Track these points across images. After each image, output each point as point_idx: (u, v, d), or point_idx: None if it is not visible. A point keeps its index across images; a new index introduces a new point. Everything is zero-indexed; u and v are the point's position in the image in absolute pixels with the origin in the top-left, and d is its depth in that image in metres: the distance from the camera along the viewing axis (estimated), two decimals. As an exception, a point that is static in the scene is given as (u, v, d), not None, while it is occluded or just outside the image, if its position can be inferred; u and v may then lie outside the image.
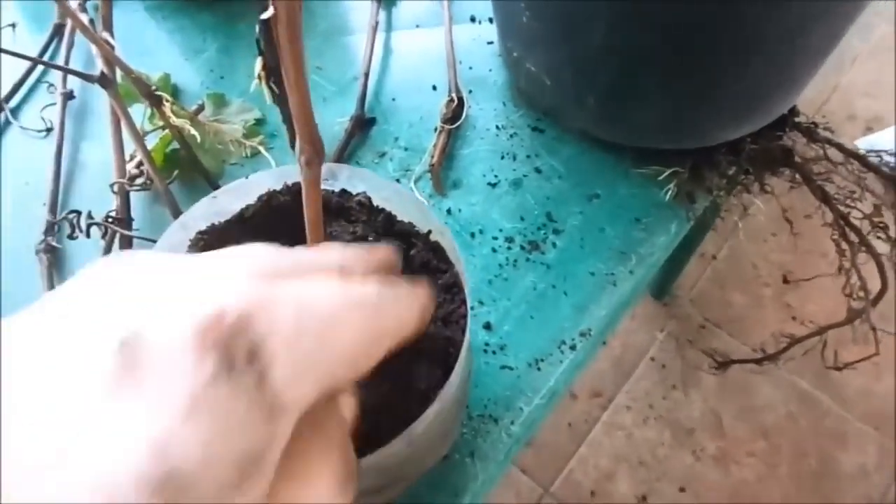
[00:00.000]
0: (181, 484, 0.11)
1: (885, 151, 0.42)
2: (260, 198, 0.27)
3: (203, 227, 0.26)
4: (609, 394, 1.07)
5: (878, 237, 0.39)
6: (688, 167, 0.42)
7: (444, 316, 0.25)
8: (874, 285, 0.41)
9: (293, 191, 0.27)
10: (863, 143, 1.24)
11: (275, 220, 0.27)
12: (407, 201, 0.27)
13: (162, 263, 0.15)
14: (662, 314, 1.13)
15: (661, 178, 0.42)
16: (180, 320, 0.13)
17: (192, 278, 0.14)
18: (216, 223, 0.27)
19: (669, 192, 0.42)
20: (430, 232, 0.27)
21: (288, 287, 0.14)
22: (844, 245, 0.40)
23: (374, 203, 0.28)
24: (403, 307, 0.16)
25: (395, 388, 0.23)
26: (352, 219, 0.28)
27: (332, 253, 0.17)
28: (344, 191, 0.27)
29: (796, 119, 0.43)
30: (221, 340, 0.12)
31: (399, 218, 0.28)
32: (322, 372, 0.14)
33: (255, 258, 0.16)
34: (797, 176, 0.42)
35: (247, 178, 0.27)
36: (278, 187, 0.27)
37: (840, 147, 0.42)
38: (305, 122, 0.18)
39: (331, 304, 0.14)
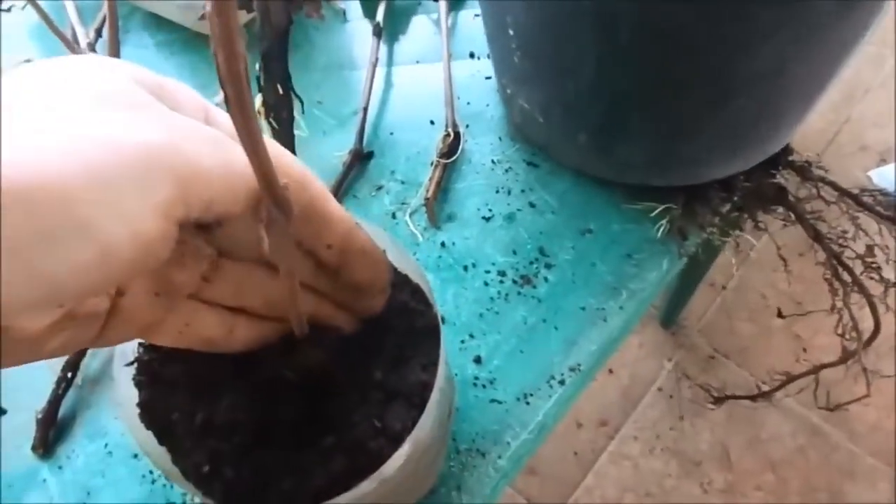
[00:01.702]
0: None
1: (880, 191, 0.42)
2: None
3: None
4: (616, 423, 1.06)
5: (871, 278, 0.39)
6: (680, 203, 0.42)
7: (422, 360, 0.25)
8: (868, 325, 0.41)
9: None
10: (874, 175, 1.23)
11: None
12: (383, 239, 0.27)
13: None
14: (670, 343, 1.12)
15: (653, 214, 0.43)
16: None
17: None
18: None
19: (662, 229, 0.42)
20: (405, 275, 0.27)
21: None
22: (837, 284, 0.40)
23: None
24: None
25: (370, 429, 0.23)
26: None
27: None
28: None
29: (790, 157, 0.43)
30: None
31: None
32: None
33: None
34: (791, 214, 0.42)
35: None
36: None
37: (834, 185, 0.42)
38: (270, 186, 0.16)
39: None
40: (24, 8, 0.56)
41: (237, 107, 0.14)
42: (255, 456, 0.24)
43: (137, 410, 0.24)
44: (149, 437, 0.24)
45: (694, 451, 1.03)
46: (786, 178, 0.43)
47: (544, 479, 1.02)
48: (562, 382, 0.39)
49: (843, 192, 0.41)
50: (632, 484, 1.01)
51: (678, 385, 1.08)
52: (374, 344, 0.25)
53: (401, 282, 0.27)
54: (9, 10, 0.52)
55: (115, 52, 0.43)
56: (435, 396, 0.23)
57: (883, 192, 0.40)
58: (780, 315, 0.70)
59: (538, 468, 1.01)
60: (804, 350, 1.06)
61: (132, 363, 0.25)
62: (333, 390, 0.24)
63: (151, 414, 0.24)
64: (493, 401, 0.38)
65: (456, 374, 0.39)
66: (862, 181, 1.26)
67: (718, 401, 0.56)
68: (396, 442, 0.22)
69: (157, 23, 0.56)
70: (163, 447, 0.24)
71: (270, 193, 0.17)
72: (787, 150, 0.44)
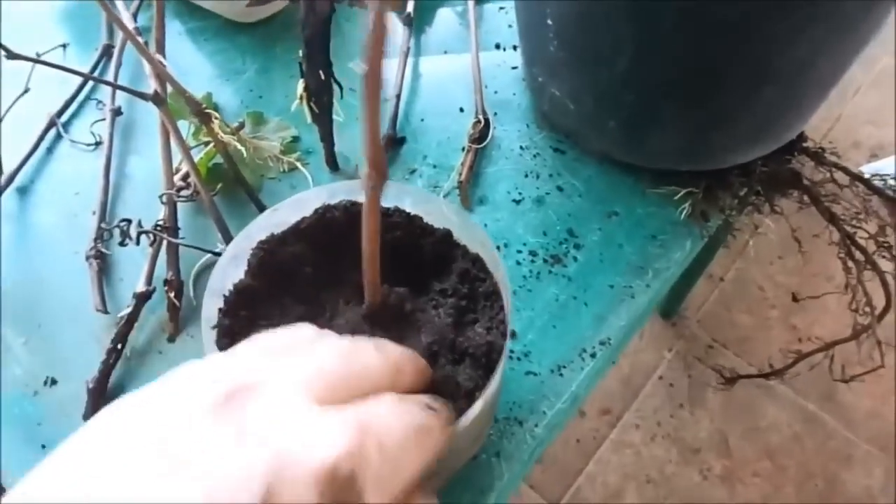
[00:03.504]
0: None
1: (889, 175, 0.45)
2: (315, 211, 0.29)
3: (263, 238, 0.29)
4: (617, 412, 1.08)
5: (883, 256, 0.42)
6: (702, 188, 0.44)
7: (486, 322, 0.27)
8: (879, 302, 0.43)
9: (342, 206, 0.30)
10: (867, 170, 1.27)
11: (326, 232, 0.30)
12: (450, 215, 0.29)
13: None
14: (670, 334, 1.15)
15: (676, 197, 0.45)
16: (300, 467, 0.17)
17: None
18: (275, 233, 0.29)
19: (684, 211, 0.44)
20: (465, 244, 0.29)
21: (365, 415, 0.19)
22: (851, 263, 0.42)
23: (416, 214, 0.30)
24: (445, 431, 0.21)
25: (443, 387, 0.25)
26: (395, 229, 0.30)
27: (390, 356, 0.22)
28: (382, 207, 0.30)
29: (804, 144, 0.46)
30: (336, 493, 0.17)
31: (437, 227, 0.30)
32: (397, 488, 0.19)
33: (324, 373, 0.20)
34: (805, 197, 0.44)
35: (302, 192, 0.30)
36: (332, 202, 0.29)
37: (846, 170, 0.45)
38: (375, 153, 0.20)
39: (400, 435, 0.19)
40: (61, -7, 0.57)
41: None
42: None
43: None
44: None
45: (693, 438, 1.05)
46: (801, 164, 0.45)
47: (547, 465, 1.04)
48: (593, 355, 0.41)
49: (855, 177, 0.44)
50: (633, 471, 1.03)
51: (684, 372, 1.10)
52: (443, 307, 0.27)
53: (459, 250, 0.29)
54: (46, -5, 0.53)
55: (160, 35, 0.44)
56: (505, 354, 0.25)
57: (893, 177, 0.42)
58: (794, 299, 0.72)
59: (541, 455, 1.04)
60: (799, 340, 1.09)
61: (215, 327, 0.27)
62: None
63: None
64: (528, 373, 0.40)
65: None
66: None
67: (729, 381, 0.58)
68: (470, 398, 0.24)
69: (190, 10, 0.57)
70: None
71: (372, 160, 0.20)
72: (801, 137, 0.46)
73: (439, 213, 0.30)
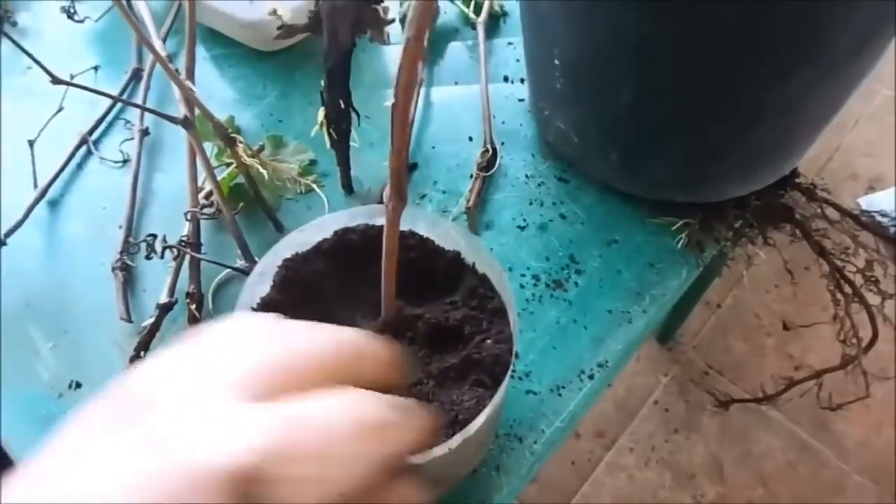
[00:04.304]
0: None
1: (879, 212, 0.47)
2: (335, 233, 0.32)
3: (288, 256, 0.31)
4: (612, 434, 1.10)
5: (870, 290, 0.44)
6: (698, 219, 0.47)
7: (495, 336, 0.29)
8: (867, 334, 0.45)
9: (360, 230, 0.32)
10: (864, 202, 1.30)
11: (345, 253, 0.32)
12: (459, 238, 0.31)
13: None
14: (666, 359, 1.17)
15: (674, 227, 0.47)
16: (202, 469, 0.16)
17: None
18: (298, 252, 0.31)
19: (681, 241, 0.47)
20: (474, 263, 0.32)
21: (299, 410, 0.17)
22: (839, 296, 0.44)
23: (428, 237, 0.33)
24: (404, 430, 0.19)
25: (452, 392, 0.27)
26: (409, 250, 0.32)
27: (343, 341, 0.20)
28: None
29: (797, 179, 0.48)
30: (252, 494, 0.16)
31: (447, 248, 0.32)
32: (339, 488, 0.17)
33: (258, 366, 0.19)
34: (797, 231, 0.47)
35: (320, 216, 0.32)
36: (351, 225, 0.32)
37: (836, 206, 0.47)
38: (398, 180, 0.23)
39: (343, 431, 0.17)
40: (97, 20, 0.60)
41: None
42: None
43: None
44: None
45: (688, 463, 1.06)
46: (793, 199, 0.47)
47: (542, 486, 1.05)
48: (591, 377, 0.43)
49: (845, 213, 0.46)
50: (626, 494, 1.05)
51: (680, 397, 1.12)
52: (452, 321, 0.29)
53: (468, 270, 0.31)
54: (83, 20, 0.56)
55: (191, 63, 0.47)
56: (512, 365, 0.27)
57: (881, 213, 0.45)
58: (785, 327, 0.74)
59: (537, 476, 1.04)
60: (795, 368, 1.11)
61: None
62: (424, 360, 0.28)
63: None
64: (528, 392, 0.42)
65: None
66: (852, 208, 1.32)
67: (723, 405, 0.60)
68: (479, 403, 0.26)
69: (215, 37, 0.60)
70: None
71: (395, 186, 0.22)
72: (794, 173, 0.48)
73: (449, 236, 0.32)
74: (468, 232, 0.31)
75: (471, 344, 0.29)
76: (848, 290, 0.43)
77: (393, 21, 0.45)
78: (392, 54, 0.60)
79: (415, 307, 0.31)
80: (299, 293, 0.31)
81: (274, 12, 0.47)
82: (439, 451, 0.26)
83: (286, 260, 0.31)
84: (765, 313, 1.19)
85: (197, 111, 0.45)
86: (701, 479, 1.05)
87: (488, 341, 0.29)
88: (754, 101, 0.36)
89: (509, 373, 0.27)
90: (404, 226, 0.32)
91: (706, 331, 1.19)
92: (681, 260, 0.47)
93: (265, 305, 0.30)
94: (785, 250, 0.50)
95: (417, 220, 0.32)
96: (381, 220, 0.25)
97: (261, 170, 0.46)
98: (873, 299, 0.43)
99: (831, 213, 0.47)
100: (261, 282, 0.31)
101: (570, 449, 1.09)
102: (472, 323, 0.30)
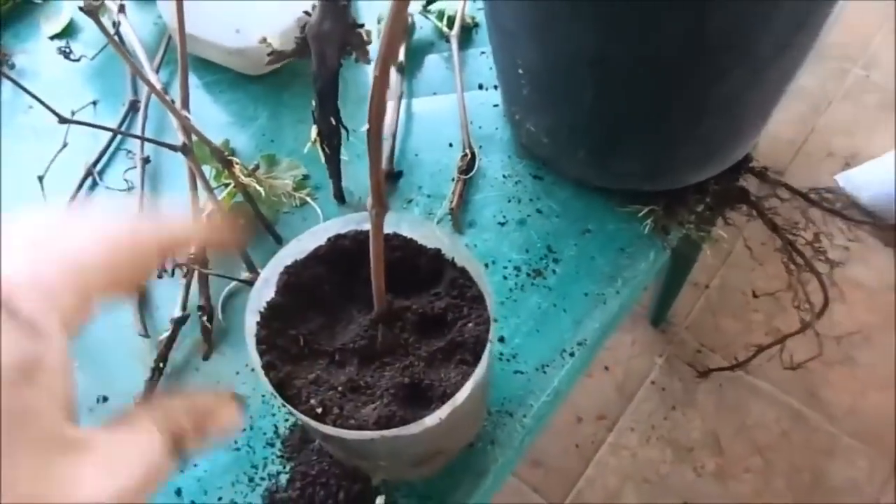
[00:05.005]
0: None
1: (825, 189, 0.51)
2: (329, 239, 0.36)
3: (289, 263, 0.35)
4: (613, 416, 1.14)
5: (819, 259, 0.48)
6: (662, 205, 0.51)
7: (475, 319, 0.33)
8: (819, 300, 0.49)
9: (350, 235, 0.36)
10: (840, 178, 1.34)
11: (339, 256, 0.36)
12: (440, 236, 0.36)
13: None
14: (661, 340, 1.21)
15: (640, 214, 0.51)
16: None
17: None
18: (298, 259, 0.35)
19: (648, 226, 0.51)
20: (453, 258, 0.36)
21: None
22: (792, 266, 0.48)
23: (412, 237, 0.36)
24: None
25: (440, 371, 0.31)
26: (395, 250, 0.36)
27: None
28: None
29: (750, 164, 0.52)
30: None
31: (429, 246, 0.36)
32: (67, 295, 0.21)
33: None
34: (753, 211, 0.51)
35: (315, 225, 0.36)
36: (343, 231, 0.36)
37: (787, 186, 0.51)
38: (378, 189, 0.27)
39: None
40: (93, 58, 0.64)
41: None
42: (351, 398, 0.32)
43: (263, 372, 0.32)
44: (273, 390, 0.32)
45: (686, 438, 1.11)
46: (747, 182, 0.51)
47: (549, 470, 1.09)
48: (572, 354, 0.47)
49: (794, 191, 0.50)
50: (631, 472, 1.09)
51: (675, 376, 1.16)
52: (437, 309, 0.34)
53: (450, 265, 0.35)
54: (78, 59, 0.60)
55: (185, 93, 0.51)
56: (489, 347, 0.31)
57: (828, 190, 0.49)
58: (754, 295, 0.79)
59: (543, 461, 1.09)
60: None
61: (256, 342, 0.33)
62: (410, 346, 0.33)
63: (272, 374, 0.32)
64: (516, 372, 0.46)
65: (485, 351, 0.47)
66: (829, 184, 1.37)
67: (703, 374, 0.64)
68: (464, 378, 0.30)
69: (205, 65, 0.64)
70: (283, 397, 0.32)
71: (376, 195, 0.26)
72: (747, 158, 0.53)
73: (431, 235, 0.36)
74: (447, 231, 0.35)
75: (454, 328, 0.33)
76: (799, 260, 0.47)
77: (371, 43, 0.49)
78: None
79: (403, 300, 0.35)
80: (301, 295, 0.35)
81: (264, 40, 0.51)
82: (431, 421, 0.30)
83: (287, 267, 0.35)
84: (751, 290, 1.23)
85: (194, 137, 0.49)
86: (700, 451, 1.09)
87: (469, 325, 0.33)
88: (697, 99, 0.40)
89: (487, 349, 0.31)
90: (389, 228, 0.36)
91: (696, 311, 1.23)
92: (649, 244, 0.51)
93: (271, 308, 0.34)
94: (747, 229, 0.54)
95: (401, 223, 0.36)
96: (369, 226, 0.29)
97: (257, 187, 0.50)
98: (823, 268, 0.47)
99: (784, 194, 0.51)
100: (266, 288, 0.35)
101: (574, 433, 1.13)
102: (454, 310, 0.34)
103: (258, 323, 0.33)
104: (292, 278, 0.35)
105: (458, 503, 0.42)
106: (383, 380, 0.32)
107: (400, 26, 0.22)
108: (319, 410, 0.31)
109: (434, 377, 0.32)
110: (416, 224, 0.36)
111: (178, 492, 0.44)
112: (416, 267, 0.36)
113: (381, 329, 0.33)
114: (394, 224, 0.36)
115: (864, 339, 1.14)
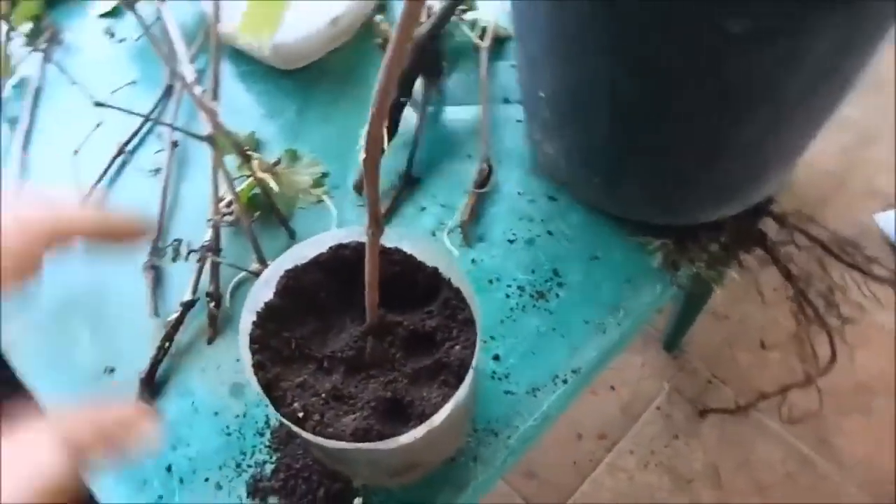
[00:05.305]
0: None
1: (844, 238, 0.50)
2: (331, 248, 0.37)
3: (290, 267, 0.36)
4: (614, 437, 1.13)
5: (832, 314, 0.47)
6: (674, 240, 0.51)
7: (462, 343, 0.34)
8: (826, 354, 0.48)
9: (352, 246, 0.37)
10: (879, 219, 1.30)
11: (339, 266, 0.37)
12: (439, 256, 0.36)
13: None
14: (672, 366, 1.19)
15: (650, 247, 0.51)
16: None
17: None
18: (298, 265, 0.36)
19: (657, 260, 0.51)
20: (450, 278, 0.36)
21: None
22: (802, 317, 0.47)
23: (412, 253, 0.37)
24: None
25: (423, 390, 0.32)
26: (395, 265, 0.37)
27: None
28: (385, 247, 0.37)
29: (771, 207, 0.51)
30: None
31: (428, 264, 0.37)
32: None
33: None
34: (768, 256, 0.50)
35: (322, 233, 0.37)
36: (345, 242, 0.37)
37: (807, 234, 0.50)
38: (375, 212, 0.28)
39: None
40: (137, 39, 0.66)
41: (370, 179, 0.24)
42: (333, 406, 0.33)
43: (252, 370, 0.33)
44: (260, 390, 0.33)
45: (687, 468, 1.09)
46: (765, 225, 0.51)
47: (542, 483, 1.09)
48: (565, 381, 0.47)
49: (814, 240, 0.49)
50: (625, 494, 1.08)
51: (682, 404, 1.14)
52: (427, 328, 0.34)
53: (444, 284, 0.36)
54: (123, 40, 0.62)
55: (215, 85, 0.52)
56: (472, 371, 0.31)
57: (850, 242, 0.48)
58: (762, 346, 0.77)
59: (538, 472, 1.09)
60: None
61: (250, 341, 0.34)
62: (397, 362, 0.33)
63: (261, 373, 0.33)
64: (506, 392, 0.46)
65: (478, 367, 0.47)
66: (868, 224, 1.33)
67: (703, 413, 0.63)
68: (444, 400, 0.31)
69: (241, 56, 0.65)
70: (268, 398, 0.33)
71: (373, 216, 0.27)
72: (769, 200, 0.52)
73: (431, 253, 0.37)
74: (446, 251, 0.35)
75: (442, 349, 0.34)
76: (810, 312, 0.47)
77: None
78: (403, 74, 0.65)
79: (396, 315, 0.35)
80: (298, 299, 0.36)
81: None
82: (406, 440, 0.30)
83: (287, 270, 0.36)
84: (771, 327, 1.20)
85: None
86: (698, 484, 1.08)
87: (457, 347, 0.34)
88: (713, 140, 0.40)
89: (470, 374, 0.32)
90: (391, 243, 0.37)
91: (713, 341, 1.21)
92: (657, 277, 0.51)
93: (268, 309, 0.35)
94: (763, 272, 0.53)
95: (403, 240, 0.37)
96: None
97: (272, 183, 0.51)
98: (834, 323, 0.47)
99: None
100: (266, 288, 0.36)
101: (572, 449, 1.12)
102: (443, 331, 0.34)
103: (254, 322, 0.34)
104: (291, 282, 0.36)
105: (435, 514, 0.43)
106: (366, 392, 0.33)
107: (396, 66, 0.23)
108: (301, 415, 0.32)
109: (416, 395, 0.33)
110: (418, 241, 0.37)
111: (169, 468, 0.45)
112: (413, 283, 0.37)
113: (370, 341, 0.34)
114: (396, 240, 0.37)
115: (885, 387, 1.11)
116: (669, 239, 0.51)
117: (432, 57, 0.58)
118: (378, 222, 0.28)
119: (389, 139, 0.52)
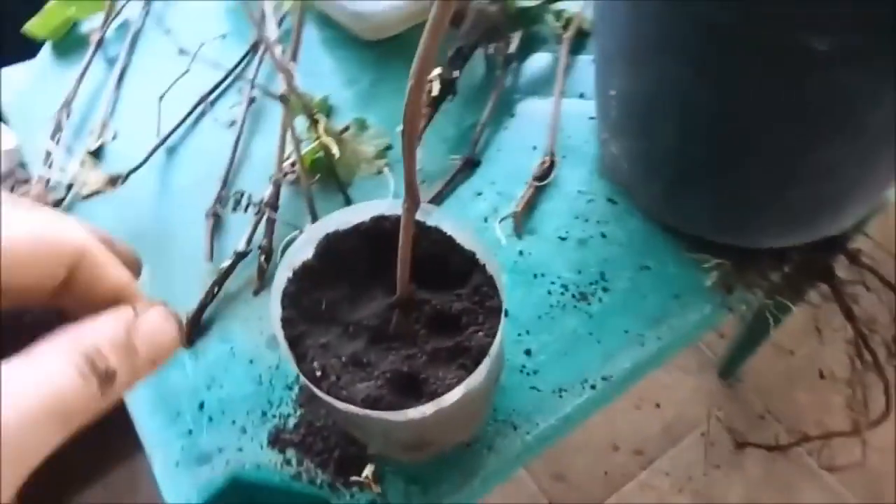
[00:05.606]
0: None
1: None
2: (372, 218, 0.37)
3: (330, 231, 0.37)
4: (651, 455, 1.10)
5: (893, 365, 0.44)
6: (732, 262, 0.48)
7: (486, 330, 0.34)
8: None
9: (392, 219, 0.37)
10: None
11: (378, 236, 0.37)
12: (476, 242, 0.36)
13: None
14: (724, 394, 1.15)
15: (706, 265, 0.49)
16: None
17: None
18: (339, 229, 0.37)
19: (711, 280, 0.48)
20: (485, 264, 0.36)
21: None
22: (859, 362, 0.44)
23: (450, 234, 0.37)
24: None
25: (439, 370, 0.32)
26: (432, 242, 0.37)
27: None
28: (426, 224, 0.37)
29: (844, 242, 0.48)
30: None
31: (466, 248, 0.37)
32: None
33: None
34: (831, 292, 0.47)
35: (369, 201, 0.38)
36: (387, 214, 0.37)
37: (879, 276, 0.47)
38: (411, 185, 0.28)
39: None
40: (231, -5, 0.69)
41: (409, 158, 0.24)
42: (351, 370, 0.33)
43: (279, 324, 0.34)
44: (285, 344, 0.34)
45: (722, 500, 1.05)
46: (836, 261, 0.48)
47: (571, 487, 1.08)
48: (593, 387, 0.46)
49: (886, 283, 0.46)
50: (654, 515, 1.05)
51: (730, 435, 1.10)
52: (454, 310, 0.34)
53: (480, 271, 0.36)
54: (220, -5, 0.65)
55: (295, 47, 0.54)
56: (494, 350, 0.31)
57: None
58: (821, 376, 0.73)
59: (567, 476, 1.08)
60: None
61: (282, 296, 0.35)
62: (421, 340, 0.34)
63: (288, 329, 0.34)
64: (532, 387, 0.46)
65: (508, 359, 0.47)
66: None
67: (741, 445, 0.61)
68: (458, 381, 0.31)
69: (326, 21, 0.67)
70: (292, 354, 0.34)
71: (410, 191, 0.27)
72: (844, 235, 0.48)
73: (470, 237, 0.37)
74: (488, 238, 0.35)
75: (465, 333, 0.34)
76: (868, 359, 0.44)
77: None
78: (479, 59, 0.65)
79: (427, 292, 0.36)
80: (335, 263, 0.37)
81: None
82: (413, 414, 0.31)
83: (328, 234, 0.37)
84: (839, 370, 1.13)
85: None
86: (733, 519, 1.04)
87: (480, 333, 0.34)
88: (786, 163, 0.38)
89: (485, 363, 0.32)
90: (433, 222, 0.37)
91: (773, 376, 1.15)
92: (707, 298, 0.48)
93: (304, 268, 0.36)
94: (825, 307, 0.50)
95: (445, 221, 0.37)
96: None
97: (335, 149, 0.52)
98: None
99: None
100: (306, 247, 0.37)
101: (606, 459, 1.10)
102: (469, 315, 0.34)
103: (289, 279, 0.36)
104: (331, 245, 0.37)
105: (442, 496, 0.43)
106: (385, 362, 0.34)
107: (435, 41, 0.22)
108: (319, 374, 0.33)
109: (431, 373, 0.33)
110: (459, 225, 0.37)
111: (201, 405, 0.48)
112: (447, 264, 0.37)
113: (396, 314, 0.35)
114: (437, 219, 0.37)
115: None
116: (728, 259, 0.48)
117: (496, 29, 0.57)
118: (413, 196, 0.28)
119: (435, 110, 0.52)
